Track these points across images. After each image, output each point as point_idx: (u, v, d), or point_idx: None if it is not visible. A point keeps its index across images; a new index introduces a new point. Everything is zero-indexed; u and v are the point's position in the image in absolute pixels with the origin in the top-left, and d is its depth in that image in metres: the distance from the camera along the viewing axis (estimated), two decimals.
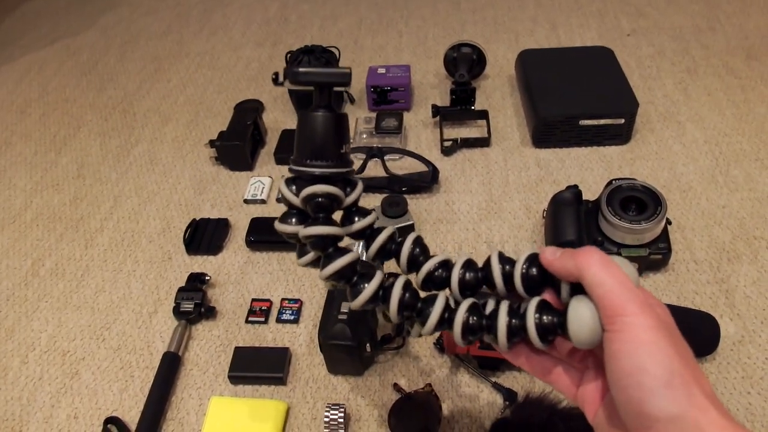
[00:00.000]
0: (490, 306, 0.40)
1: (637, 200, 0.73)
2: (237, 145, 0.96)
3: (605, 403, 0.36)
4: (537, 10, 1.35)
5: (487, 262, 0.42)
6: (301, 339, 0.73)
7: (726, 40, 1.19)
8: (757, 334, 0.69)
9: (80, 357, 0.74)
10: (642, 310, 0.32)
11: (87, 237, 0.90)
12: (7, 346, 0.76)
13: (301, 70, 0.41)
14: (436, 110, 1.02)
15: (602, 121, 0.94)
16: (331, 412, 0.62)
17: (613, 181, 0.76)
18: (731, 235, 0.81)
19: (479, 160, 0.97)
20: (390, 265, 0.47)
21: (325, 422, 0.62)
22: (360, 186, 0.45)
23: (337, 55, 1.06)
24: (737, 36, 1.20)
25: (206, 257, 0.85)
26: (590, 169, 0.93)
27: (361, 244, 0.47)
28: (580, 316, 0.35)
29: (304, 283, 0.80)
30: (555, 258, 0.37)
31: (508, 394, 0.65)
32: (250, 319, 0.76)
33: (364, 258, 0.46)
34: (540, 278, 0.39)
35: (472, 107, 1.02)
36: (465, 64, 1.07)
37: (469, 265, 0.42)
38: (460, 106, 1.02)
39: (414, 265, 0.44)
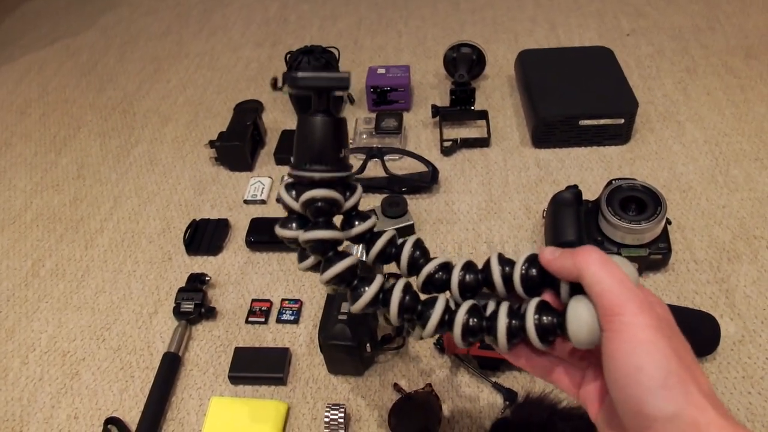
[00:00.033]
0: (490, 307, 0.40)
1: (637, 200, 0.73)
2: (237, 146, 0.96)
3: (607, 401, 0.36)
4: (536, 11, 1.35)
5: (487, 263, 0.42)
6: (301, 339, 0.73)
7: (725, 40, 1.19)
8: (758, 333, 0.69)
9: (80, 357, 0.74)
10: (641, 310, 0.32)
11: (87, 237, 0.90)
12: (8, 347, 0.76)
13: (300, 75, 0.41)
14: (436, 110, 1.02)
15: (602, 121, 0.94)
16: (332, 412, 0.62)
17: (613, 181, 0.76)
18: (731, 234, 0.81)
19: (479, 160, 0.97)
20: (390, 265, 0.47)
21: (326, 422, 0.62)
22: (359, 190, 0.45)
23: (337, 56, 1.06)
24: (737, 36, 1.20)
25: (206, 258, 0.85)
26: (590, 169, 0.93)
27: (361, 246, 0.47)
28: (579, 316, 0.35)
29: (304, 283, 0.80)
30: (554, 258, 0.37)
31: (509, 394, 0.65)
32: (250, 319, 0.76)
33: (364, 258, 0.46)
34: (539, 279, 0.39)
35: (472, 107, 1.02)
36: (464, 64, 1.07)
37: (468, 266, 0.43)
38: (459, 106, 1.02)
39: (414, 268, 0.44)
